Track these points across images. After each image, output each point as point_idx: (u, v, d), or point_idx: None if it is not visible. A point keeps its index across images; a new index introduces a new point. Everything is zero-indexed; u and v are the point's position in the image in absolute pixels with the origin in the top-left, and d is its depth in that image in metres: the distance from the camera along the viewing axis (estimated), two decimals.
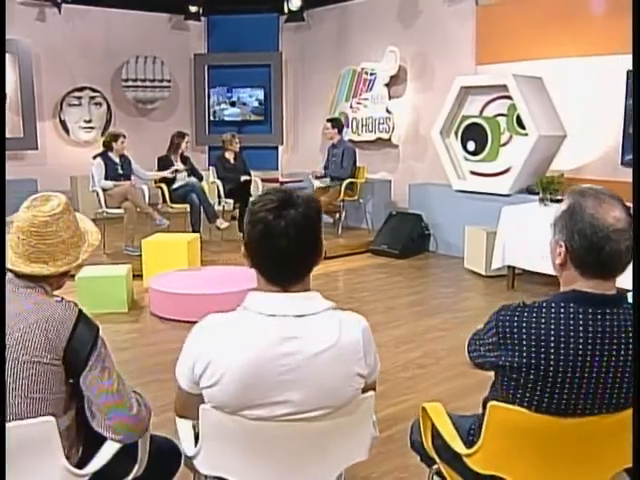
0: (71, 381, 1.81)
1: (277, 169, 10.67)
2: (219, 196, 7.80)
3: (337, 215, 8.30)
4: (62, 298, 1.89)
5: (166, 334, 4.97)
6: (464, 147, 7.47)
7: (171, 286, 5.32)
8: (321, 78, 10.28)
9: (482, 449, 1.80)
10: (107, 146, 7.12)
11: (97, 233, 2.03)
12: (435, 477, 2.25)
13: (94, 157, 7.17)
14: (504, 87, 6.87)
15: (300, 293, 1.66)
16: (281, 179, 8.76)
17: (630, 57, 6.66)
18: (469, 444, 1.96)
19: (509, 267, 6.07)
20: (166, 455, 2.15)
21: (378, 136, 9.31)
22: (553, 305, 1.74)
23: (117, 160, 7.16)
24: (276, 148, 10.99)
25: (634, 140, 4.84)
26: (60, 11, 9.00)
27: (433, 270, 7.02)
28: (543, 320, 1.71)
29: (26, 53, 8.86)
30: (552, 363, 1.68)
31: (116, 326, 5.09)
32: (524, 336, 1.71)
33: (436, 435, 2.17)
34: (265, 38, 10.62)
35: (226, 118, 10.72)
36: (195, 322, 1.74)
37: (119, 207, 6.97)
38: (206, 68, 10.66)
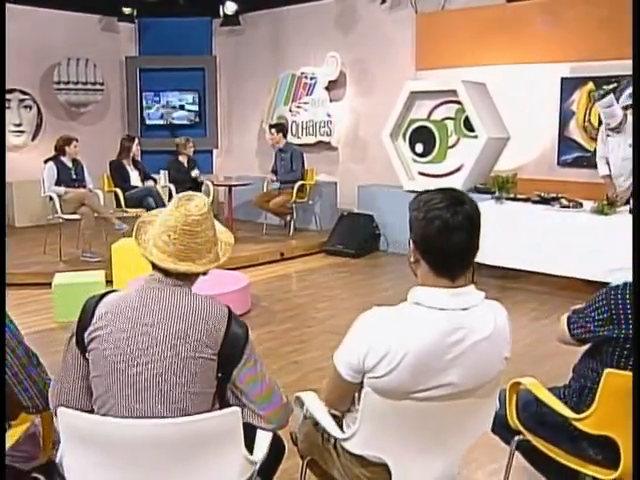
0: (219, 375, 1.86)
1: (212, 172, 10.64)
2: (171, 199, 7.71)
3: (288, 217, 8.43)
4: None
5: None
6: (412, 149, 7.81)
7: None
8: (256, 82, 10.37)
9: (596, 413, 2.04)
10: (59, 150, 6.90)
11: (228, 232, 2.09)
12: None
13: (45, 161, 6.92)
14: (452, 92, 7.27)
15: (463, 288, 1.81)
16: (231, 182, 8.76)
17: (564, 65, 7.32)
18: None
19: None
20: (275, 443, 2.24)
21: (319, 139, 9.53)
22: None
23: (70, 165, 6.95)
24: (211, 152, 10.97)
25: (634, 141, 5.30)
26: None
27: (391, 268, 7.30)
28: None
29: None
30: None
31: None
32: None
33: (522, 408, 2.39)
34: (198, 41, 10.59)
35: (160, 122, 10.59)
36: None
37: (74, 212, 6.78)
38: (138, 71, 10.48)
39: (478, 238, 1.80)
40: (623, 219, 5.49)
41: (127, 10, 9.70)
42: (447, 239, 1.74)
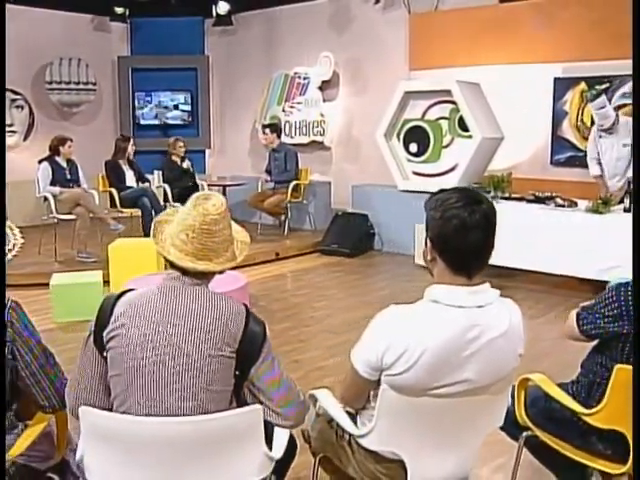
0: (237, 373, 1.87)
1: (204, 173, 10.63)
2: (166, 200, 7.73)
3: (283, 217, 8.44)
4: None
5: None
6: (406, 149, 7.85)
7: None
8: (249, 82, 10.38)
9: (606, 407, 2.07)
10: (54, 150, 6.89)
11: (244, 231, 2.10)
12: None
13: (39, 161, 6.91)
14: (446, 92, 7.31)
15: (480, 286, 1.84)
16: (225, 182, 8.78)
17: (556, 66, 7.39)
18: None
19: None
20: (289, 441, 2.26)
21: (312, 139, 9.56)
22: None
23: (65, 165, 6.94)
24: (203, 152, 10.96)
25: (634, 139, 5.36)
26: None
27: (386, 267, 7.32)
28: None
29: None
30: None
31: None
32: None
33: (530, 404, 2.43)
34: (190, 41, 10.59)
35: (154, 121, 10.58)
36: None
37: (69, 213, 6.76)
38: (130, 71, 10.46)
39: (494, 236, 1.82)
40: (618, 218, 5.55)
41: (119, 10, 9.69)
42: (465, 238, 1.77)
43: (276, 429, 1.95)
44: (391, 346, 1.79)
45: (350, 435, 2.07)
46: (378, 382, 1.90)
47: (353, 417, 2.10)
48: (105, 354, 1.85)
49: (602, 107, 6.05)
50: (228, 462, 1.74)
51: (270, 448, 1.93)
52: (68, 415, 2.12)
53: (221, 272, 1.99)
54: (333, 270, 7.25)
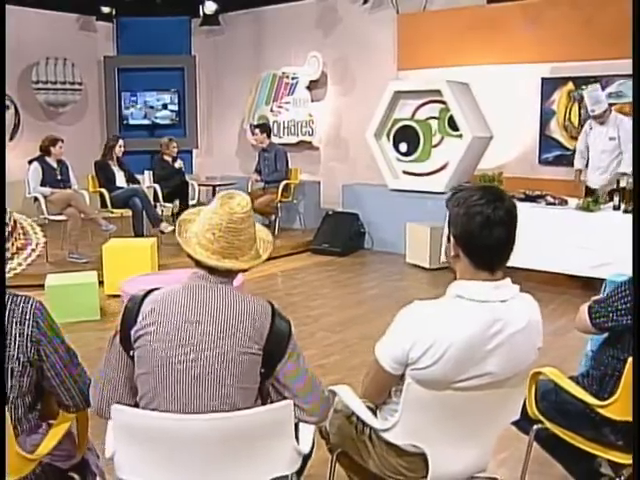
0: (262, 371, 1.88)
1: (191, 173, 10.60)
2: (156, 199, 7.71)
3: (273, 217, 8.46)
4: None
5: None
6: (396, 148, 7.90)
7: None
8: (236, 82, 10.37)
9: (620, 399, 2.13)
10: (44, 150, 6.83)
11: (266, 230, 2.13)
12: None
13: (29, 162, 6.85)
14: (436, 92, 7.38)
15: (502, 281, 1.89)
16: (214, 182, 8.78)
17: (544, 66, 7.49)
18: None
19: None
20: None
21: (301, 139, 9.58)
22: None
23: (55, 165, 6.89)
24: (190, 152, 10.92)
25: (634, 140, 5.43)
26: None
27: (378, 266, 7.37)
28: None
29: None
30: None
31: (94, 334, 4.96)
32: None
33: (541, 397, 2.48)
34: (177, 41, 10.56)
35: (143, 121, 10.52)
36: None
37: (60, 213, 6.72)
38: (116, 71, 10.40)
39: (516, 232, 1.87)
40: (608, 216, 5.65)
41: (105, 9, 9.63)
42: (489, 234, 1.81)
43: (302, 425, 1.98)
44: (418, 341, 1.83)
45: (371, 430, 2.10)
46: (401, 377, 1.93)
47: (373, 412, 2.14)
48: (132, 353, 1.86)
49: (595, 91, 6.17)
50: (260, 458, 1.76)
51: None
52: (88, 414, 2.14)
53: (245, 270, 2.02)
54: (325, 269, 7.28)
